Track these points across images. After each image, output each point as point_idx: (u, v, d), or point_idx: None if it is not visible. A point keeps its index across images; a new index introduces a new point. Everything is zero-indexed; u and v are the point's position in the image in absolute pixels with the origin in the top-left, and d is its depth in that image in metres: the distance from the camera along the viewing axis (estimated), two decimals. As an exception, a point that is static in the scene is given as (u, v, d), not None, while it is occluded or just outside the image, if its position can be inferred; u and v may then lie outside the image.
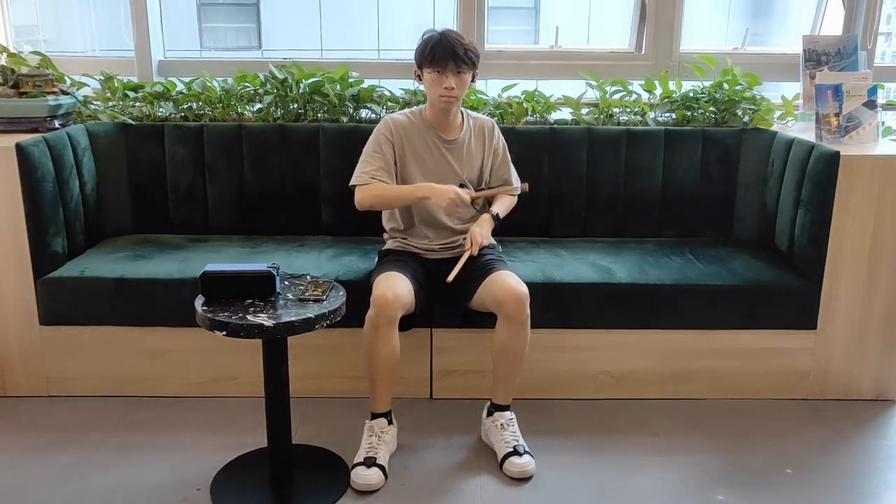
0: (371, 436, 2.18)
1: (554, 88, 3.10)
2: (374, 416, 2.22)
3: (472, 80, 2.34)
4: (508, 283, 2.19)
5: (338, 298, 2.00)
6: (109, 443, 2.30)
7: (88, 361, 2.53)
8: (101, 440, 2.31)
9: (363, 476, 2.07)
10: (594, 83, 2.99)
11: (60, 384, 2.56)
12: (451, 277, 2.20)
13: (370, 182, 2.30)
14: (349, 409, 2.45)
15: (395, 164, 2.35)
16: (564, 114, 3.05)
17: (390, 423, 2.23)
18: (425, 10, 8.25)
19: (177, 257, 2.61)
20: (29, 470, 2.16)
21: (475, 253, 2.28)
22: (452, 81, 2.24)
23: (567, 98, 3.03)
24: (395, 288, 2.13)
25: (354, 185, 2.33)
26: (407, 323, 2.24)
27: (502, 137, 2.51)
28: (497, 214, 2.39)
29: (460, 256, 2.38)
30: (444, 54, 2.21)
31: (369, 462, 2.09)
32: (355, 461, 2.12)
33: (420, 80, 2.33)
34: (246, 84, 2.96)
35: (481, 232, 2.32)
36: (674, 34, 3.14)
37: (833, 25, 3.27)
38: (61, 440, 2.31)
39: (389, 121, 2.38)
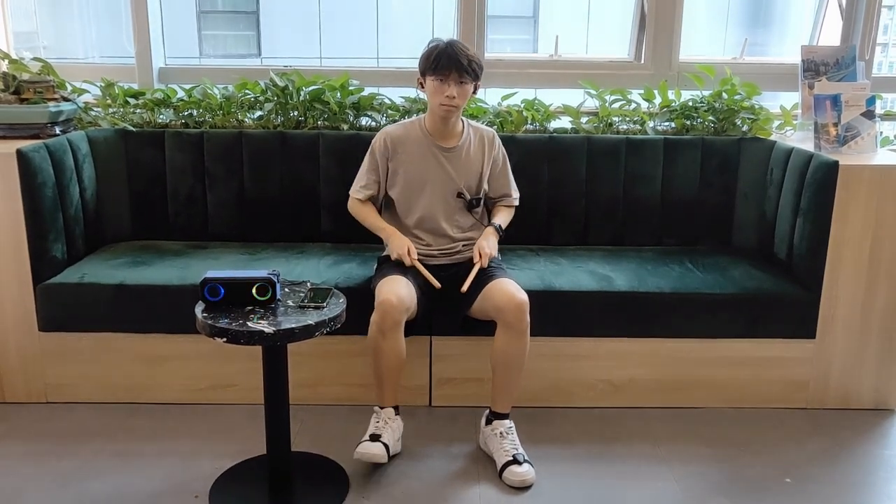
0: (378, 420, 2.20)
1: (553, 97, 3.11)
2: (382, 408, 2.24)
3: (474, 92, 2.35)
4: (509, 290, 2.20)
5: (338, 305, 2.00)
6: (108, 449, 2.29)
7: (87, 368, 2.53)
8: (99, 447, 2.30)
9: (368, 446, 2.10)
10: (594, 92, 3.00)
11: (59, 390, 2.55)
12: (465, 287, 2.25)
13: (361, 195, 2.45)
14: (348, 417, 2.45)
15: (386, 176, 2.44)
16: (564, 122, 3.06)
17: (397, 414, 2.25)
18: (425, 19, 8.27)
19: (176, 264, 2.61)
20: (27, 476, 2.15)
21: (485, 265, 2.31)
22: (454, 91, 2.26)
23: (566, 107, 3.04)
24: (399, 291, 2.15)
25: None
26: (406, 330, 2.24)
27: (503, 149, 2.52)
28: (500, 226, 2.45)
29: (459, 262, 2.41)
30: (448, 63, 2.23)
31: (374, 438, 2.13)
32: (361, 440, 2.15)
33: (422, 87, 2.34)
34: (246, 91, 2.97)
35: (489, 244, 2.36)
36: (673, 43, 3.16)
37: (831, 36, 3.29)
38: (60, 447, 2.30)
39: (383, 134, 2.44)
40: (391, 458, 2.19)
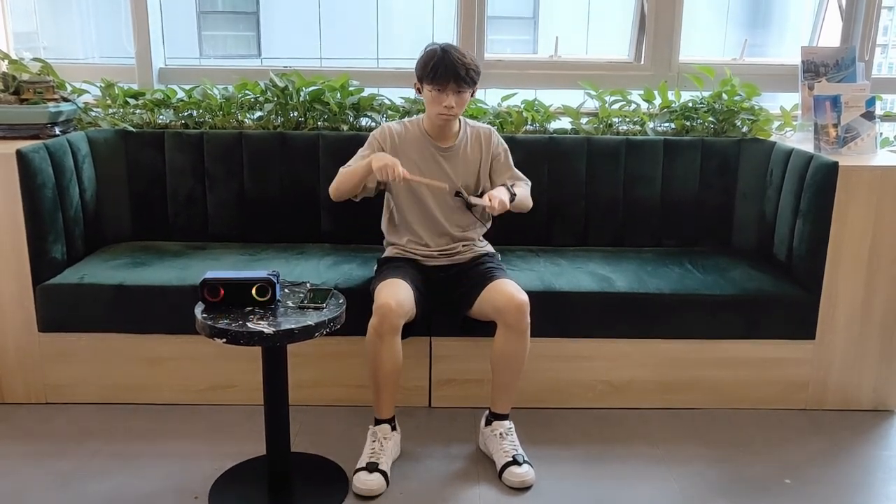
0: (374, 441, 2.18)
1: (553, 98, 3.11)
2: (378, 422, 2.22)
3: (472, 95, 2.34)
4: (509, 290, 2.20)
5: (337, 306, 2.00)
6: (107, 450, 2.29)
7: (87, 368, 2.53)
8: (98, 447, 2.30)
9: (365, 481, 2.07)
10: (593, 93, 3.01)
11: (58, 391, 2.55)
12: (473, 200, 2.21)
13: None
14: (348, 418, 2.45)
15: None
16: (564, 123, 3.06)
17: (394, 429, 2.23)
18: (425, 20, 8.27)
19: (176, 264, 2.61)
20: (26, 477, 2.15)
21: (496, 209, 2.21)
22: (452, 100, 2.25)
23: (566, 108, 3.04)
24: (397, 295, 2.14)
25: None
26: (405, 331, 2.24)
27: (503, 143, 2.49)
28: (514, 194, 2.32)
29: (459, 263, 2.40)
30: (446, 74, 2.21)
31: (371, 467, 2.10)
32: (357, 466, 2.12)
33: (419, 91, 2.33)
34: (246, 92, 2.97)
35: (499, 194, 2.25)
36: (673, 44, 3.16)
37: (831, 37, 3.29)
38: (59, 447, 2.30)
39: (385, 127, 2.41)
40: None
